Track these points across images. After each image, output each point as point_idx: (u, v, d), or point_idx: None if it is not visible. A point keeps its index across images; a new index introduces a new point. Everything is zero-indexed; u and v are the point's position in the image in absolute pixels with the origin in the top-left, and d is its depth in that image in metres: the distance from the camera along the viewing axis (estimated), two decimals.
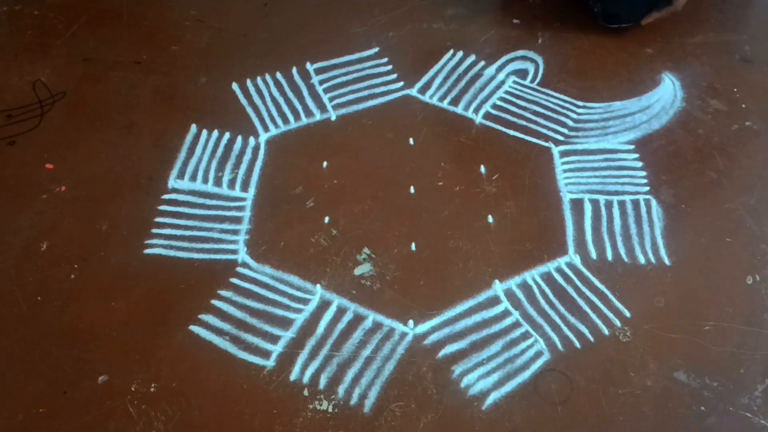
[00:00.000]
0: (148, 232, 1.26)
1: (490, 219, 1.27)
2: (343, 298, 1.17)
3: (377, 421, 1.03)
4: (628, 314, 1.14)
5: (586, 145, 1.39)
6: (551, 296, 1.17)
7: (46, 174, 1.36)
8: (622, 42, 1.60)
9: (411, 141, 1.41)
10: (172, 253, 1.23)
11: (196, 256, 1.23)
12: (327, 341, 1.12)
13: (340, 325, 1.14)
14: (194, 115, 1.46)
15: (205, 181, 1.35)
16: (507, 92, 1.50)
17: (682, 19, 1.62)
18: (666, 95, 1.47)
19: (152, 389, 1.07)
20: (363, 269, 1.21)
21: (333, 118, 1.46)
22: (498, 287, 1.18)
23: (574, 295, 1.17)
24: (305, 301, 1.17)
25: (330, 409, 1.05)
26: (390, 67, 1.56)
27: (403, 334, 1.13)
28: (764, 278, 1.18)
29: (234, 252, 1.24)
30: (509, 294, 1.17)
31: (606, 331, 1.12)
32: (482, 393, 1.06)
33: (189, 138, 1.42)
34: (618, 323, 1.13)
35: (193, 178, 1.35)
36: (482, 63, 1.56)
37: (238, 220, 1.29)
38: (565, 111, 1.46)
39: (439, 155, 1.38)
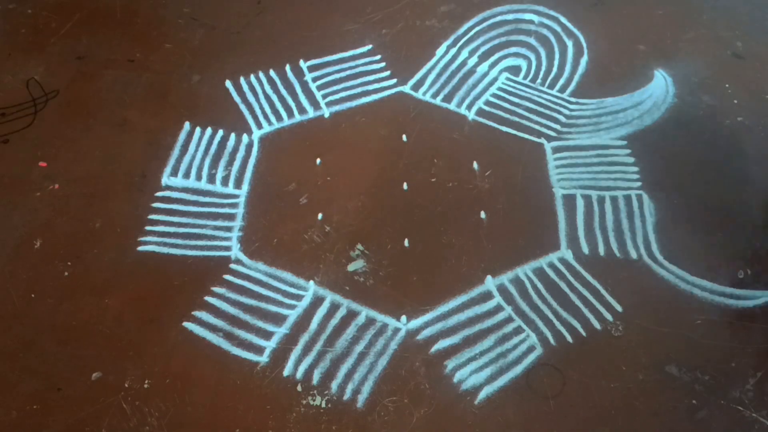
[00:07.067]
0: (142, 229, 1.27)
1: (483, 215, 1.28)
2: (336, 294, 1.18)
3: (370, 416, 1.04)
4: (619, 309, 1.14)
5: (579, 141, 1.40)
6: (543, 291, 1.17)
7: (40, 172, 1.36)
8: (614, 38, 1.60)
9: (404, 138, 1.41)
10: (165, 250, 1.24)
11: (189, 252, 1.23)
12: (320, 337, 1.13)
13: (334, 321, 1.14)
14: (187, 113, 1.46)
15: (199, 178, 1.35)
16: (500, 89, 1.50)
17: (675, 15, 1.62)
18: (658, 91, 1.48)
19: (146, 385, 1.07)
20: (356, 265, 1.21)
21: (326, 115, 1.46)
22: (490, 282, 1.18)
23: (566, 290, 1.17)
24: (298, 298, 1.17)
25: (323, 405, 1.05)
26: (383, 64, 1.56)
27: (396, 330, 1.13)
28: (755, 273, 1.19)
29: (227, 249, 1.24)
30: (502, 289, 1.18)
31: (598, 326, 1.13)
32: (475, 387, 1.07)
33: (182, 135, 1.42)
34: (610, 318, 1.14)
35: (187, 175, 1.35)
36: (475, 60, 1.56)
37: (231, 217, 1.29)
38: (557, 107, 1.46)
39: (432, 152, 1.39)
